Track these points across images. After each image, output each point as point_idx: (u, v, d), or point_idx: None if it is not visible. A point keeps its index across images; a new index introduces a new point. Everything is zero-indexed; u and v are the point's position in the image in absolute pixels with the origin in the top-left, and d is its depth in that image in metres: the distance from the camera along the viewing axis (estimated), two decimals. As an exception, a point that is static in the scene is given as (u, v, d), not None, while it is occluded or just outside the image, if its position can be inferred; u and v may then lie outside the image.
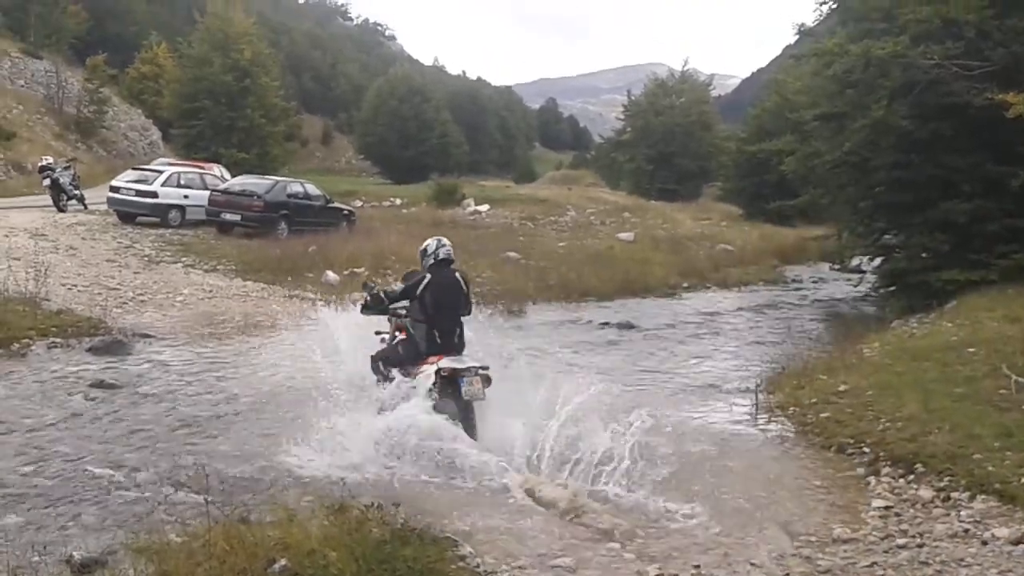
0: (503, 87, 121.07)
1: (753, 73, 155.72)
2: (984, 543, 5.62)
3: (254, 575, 4.84)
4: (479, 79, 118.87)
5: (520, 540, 5.90)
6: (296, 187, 24.71)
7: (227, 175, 29.38)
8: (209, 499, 5.63)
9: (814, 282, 23.58)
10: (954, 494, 6.47)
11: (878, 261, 18.95)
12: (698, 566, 5.46)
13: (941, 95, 15.96)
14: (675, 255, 24.69)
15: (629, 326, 15.57)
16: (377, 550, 5.26)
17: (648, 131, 53.24)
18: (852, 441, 7.88)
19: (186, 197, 23.64)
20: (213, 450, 7.58)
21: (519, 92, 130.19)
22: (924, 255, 16.75)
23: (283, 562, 5.02)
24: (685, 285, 21.56)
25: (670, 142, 52.16)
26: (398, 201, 36.49)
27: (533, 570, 5.44)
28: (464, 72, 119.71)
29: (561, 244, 25.21)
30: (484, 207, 33.07)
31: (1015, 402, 8.10)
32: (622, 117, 59.22)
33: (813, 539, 5.89)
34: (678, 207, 40.72)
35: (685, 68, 58.80)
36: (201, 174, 25.91)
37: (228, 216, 22.65)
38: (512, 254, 22.01)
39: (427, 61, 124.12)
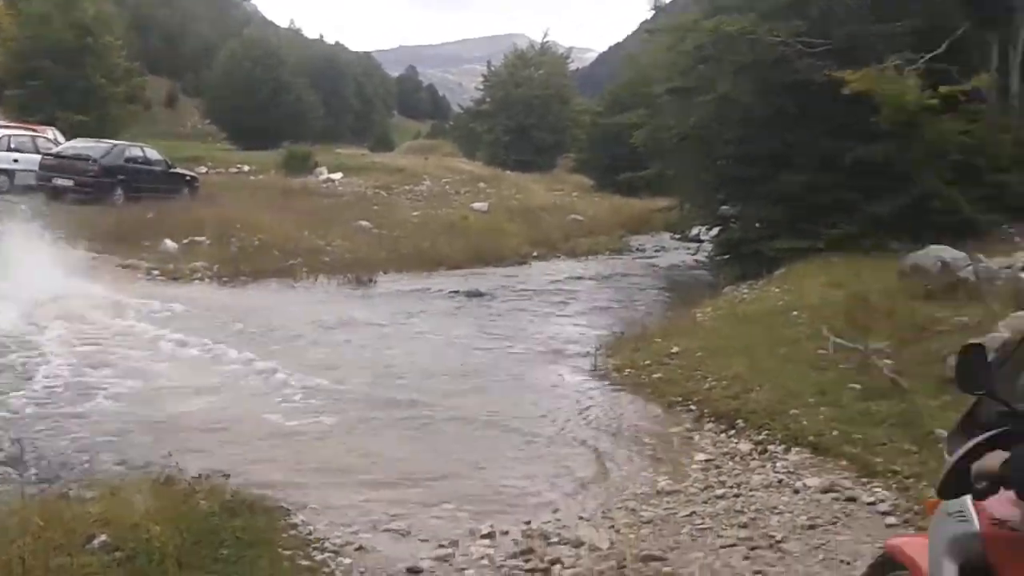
0: (362, 53, 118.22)
1: (611, 47, 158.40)
2: (796, 491, 5.94)
3: (72, 551, 4.62)
4: (337, 44, 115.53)
5: (354, 507, 5.89)
6: (135, 151, 23.63)
7: (61, 138, 27.70)
8: (24, 474, 5.37)
9: (656, 251, 24.32)
10: (771, 447, 6.83)
11: (716, 231, 19.75)
12: (528, 521, 5.58)
13: (786, 72, 16.64)
14: (528, 225, 24.99)
15: (479, 294, 15.69)
16: (204, 522, 5.12)
17: (507, 102, 53.44)
18: (681, 399, 8.23)
19: (15, 161, 22.27)
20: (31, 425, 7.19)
21: (378, 59, 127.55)
22: (759, 225, 17.56)
23: (103, 537, 4.82)
24: (536, 254, 21.88)
25: (528, 114, 52.55)
26: (246, 168, 35.30)
27: (367, 535, 5.43)
28: (322, 36, 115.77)
29: (415, 214, 25.07)
30: (337, 175, 32.43)
31: (832, 361, 8.61)
32: (481, 87, 59.20)
33: (639, 492, 6.12)
34: (533, 178, 41.16)
35: (544, 40, 59.31)
36: (33, 137, 24.43)
37: (60, 181, 21.45)
38: (364, 223, 21.72)
39: (283, 23, 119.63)
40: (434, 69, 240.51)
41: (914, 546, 2.79)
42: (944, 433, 2.69)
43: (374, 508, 5.85)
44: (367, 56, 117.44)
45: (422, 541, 5.34)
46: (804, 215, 16.75)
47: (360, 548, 5.20)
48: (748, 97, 17.01)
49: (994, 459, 2.12)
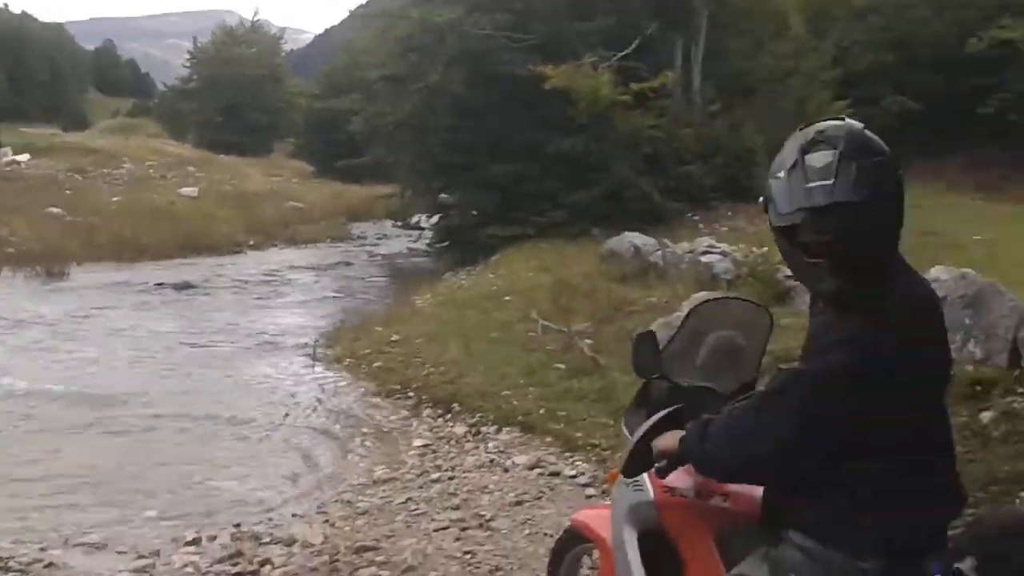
0: (53, 24, 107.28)
1: (326, 30, 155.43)
2: (506, 470, 6.17)
3: None
4: (24, 14, 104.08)
5: (43, 521, 5.42)
6: None
7: None
8: None
9: (378, 239, 24.27)
10: (484, 428, 7.03)
11: (436, 218, 20.09)
12: (239, 524, 5.38)
13: (493, 65, 17.23)
14: (243, 212, 23.98)
15: (188, 286, 14.83)
16: None
17: (216, 81, 50.78)
18: (400, 387, 8.28)
19: None
20: None
21: (72, 31, 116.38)
22: (475, 213, 18.09)
23: None
24: (252, 243, 21.10)
25: (239, 94, 50.27)
26: (-85, 150, 30.90)
27: (57, 551, 5.02)
28: (6, 5, 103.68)
29: (115, 199, 23.23)
30: (24, 157, 29.24)
31: (540, 343, 9.07)
32: (188, 64, 55.91)
33: (356, 483, 6.09)
34: (248, 162, 39.57)
35: (255, 19, 57.07)
36: None
37: None
38: (55, 210, 19.85)
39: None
40: (135, 44, 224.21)
41: (598, 519, 2.97)
42: (629, 405, 2.87)
43: (66, 521, 5.42)
44: (58, 28, 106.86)
45: (120, 553, 5.01)
46: (515, 203, 17.50)
47: (50, 565, 4.83)
48: (458, 87, 17.42)
49: (671, 439, 2.26)
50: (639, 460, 2.38)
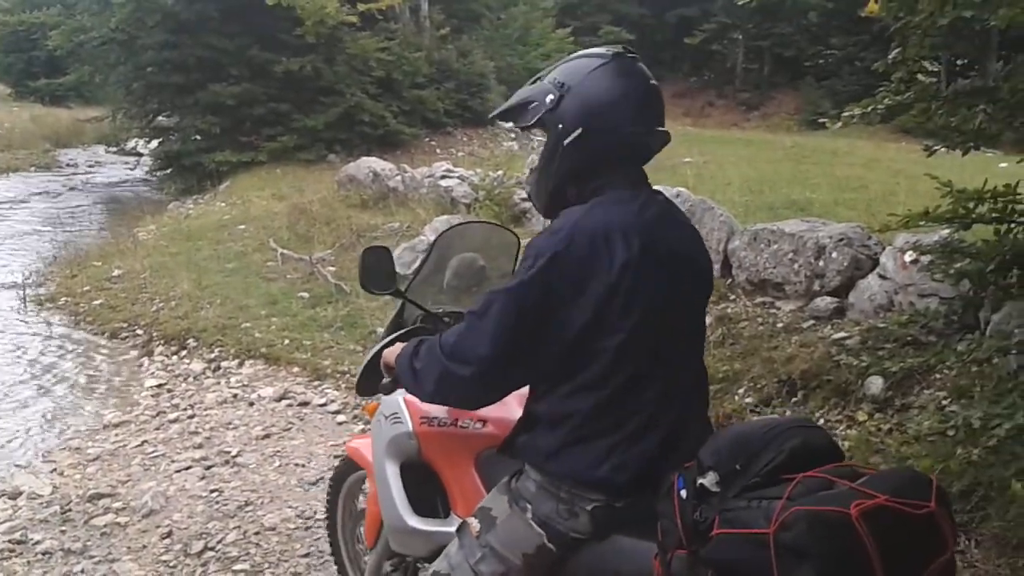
0: None
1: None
2: (251, 404, 5.99)
3: None
4: None
5: None
6: None
7: None
8: None
9: (91, 166, 22.13)
10: (224, 363, 6.76)
11: (155, 143, 18.71)
12: (-49, 481, 4.86)
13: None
14: (-74, 138, 21.00)
15: None
16: None
17: None
18: (126, 325, 7.76)
19: None
20: None
21: None
22: (197, 137, 17.02)
23: None
24: (-61, 173, 18.58)
25: (-89, 5, 43.54)
26: None
27: None
28: None
29: None
30: None
31: (280, 272, 8.85)
32: None
33: (84, 429, 5.68)
34: (-71, 84, 34.59)
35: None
36: None
37: None
38: None
39: None
40: None
41: (368, 446, 2.96)
42: (382, 330, 2.83)
43: None
44: None
45: None
46: (242, 127, 16.72)
47: None
48: (169, 1, 16.20)
49: (392, 353, 2.17)
50: (368, 378, 2.35)
